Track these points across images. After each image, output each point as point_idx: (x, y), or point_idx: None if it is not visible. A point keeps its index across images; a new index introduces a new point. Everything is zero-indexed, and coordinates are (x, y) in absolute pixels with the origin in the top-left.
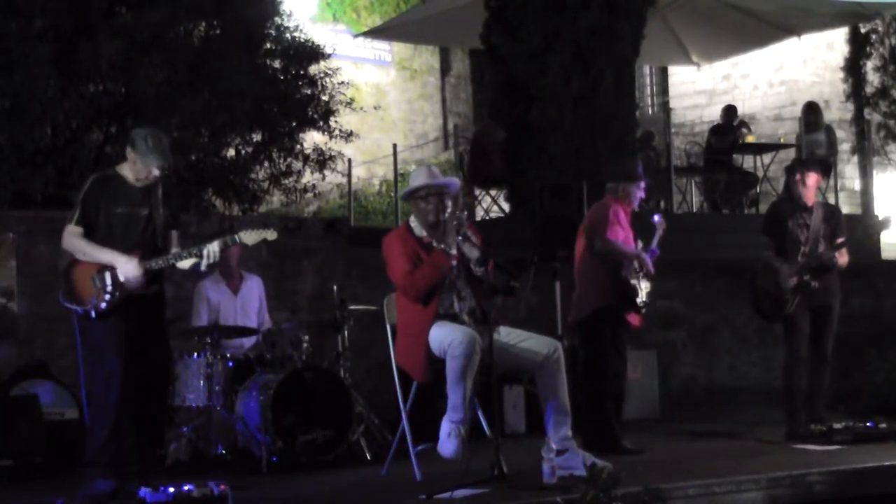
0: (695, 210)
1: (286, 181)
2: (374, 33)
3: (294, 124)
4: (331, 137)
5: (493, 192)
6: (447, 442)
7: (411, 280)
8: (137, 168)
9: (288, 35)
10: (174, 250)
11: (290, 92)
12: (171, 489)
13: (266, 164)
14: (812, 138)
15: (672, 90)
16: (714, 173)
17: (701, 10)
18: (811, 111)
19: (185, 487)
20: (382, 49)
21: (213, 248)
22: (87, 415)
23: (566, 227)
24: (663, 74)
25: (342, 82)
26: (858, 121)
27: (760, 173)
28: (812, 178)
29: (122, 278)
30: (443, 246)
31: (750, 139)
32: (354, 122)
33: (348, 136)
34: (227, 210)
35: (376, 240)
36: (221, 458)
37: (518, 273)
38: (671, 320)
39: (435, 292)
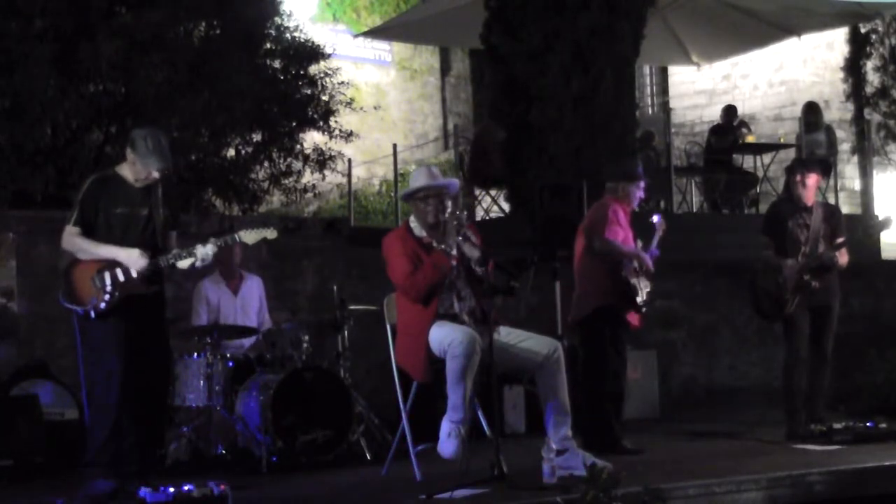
0: (695, 210)
1: (286, 181)
2: (374, 33)
3: (294, 124)
4: (331, 137)
5: (493, 192)
6: (447, 442)
7: (412, 280)
8: (137, 169)
9: (288, 35)
10: (174, 251)
11: (290, 92)
12: (171, 489)
13: (266, 164)
14: (812, 138)
15: (672, 90)
16: (714, 173)
17: (701, 10)
18: (811, 111)
19: (185, 487)
20: (382, 49)
21: (203, 251)
22: (87, 415)
23: (566, 227)
24: (663, 74)
25: (342, 82)
26: (858, 121)
27: (760, 173)
28: (812, 179)
29: (122, 277)
30: (443, 246)
31: (750, 139)
32: (354, 122)
33: (348, 136)
34: (227, 210)
35: (376, 240)
36: (221, 458)
37: (518, 273)
38: (671, 320)
39: (435, 293)
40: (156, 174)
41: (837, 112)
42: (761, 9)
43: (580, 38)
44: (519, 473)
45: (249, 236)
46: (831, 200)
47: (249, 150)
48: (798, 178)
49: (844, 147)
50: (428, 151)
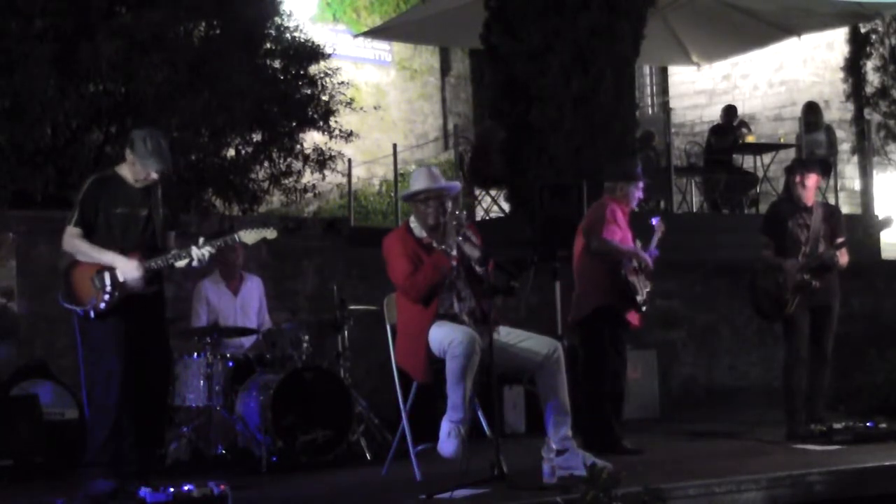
0: (695, 210)
1: (286, 181)
2: (374, 33)
3: (294, 124)
4: (331, 137)
5: (493, 192)
6: (447, 442)
7: (412, 281)
8: (136, 170)
9: (288, 35)
10: (173, 251)
11: (290, 92)
12: (171, 489)
13: (266, 164)
14: (812, 138)
15: (672, 90)
16: (714, 173)
17: (701, 10)
18: (811, 111)
19: (185, 487)
20: (382, 49)
21: (198, 252)
22: (87, 415)
23: (566, 227)
24: (663, 74)
25: (342, 82)
26: (858, 121)
27: (760, 173)
28: (812, 179)
29: (121, 279)
30: (443, 247)
31: (750, 139)
32: (354, 122)
33: (348, 136)
34: (227, 210)
35: (376, 240)
36: (221, 458)
37: (518, 273)
38: (671, 320)
39: (435, 293)
40: (155, 175)
41: (837, 112)
42: (761, 9)
43: (580, 38)
44: (519, 473)
45: (249, 236)
46: (831, 200)
47: (249, 150)
48: (798, 178)
49: (844, 147)
50: (428, 151)
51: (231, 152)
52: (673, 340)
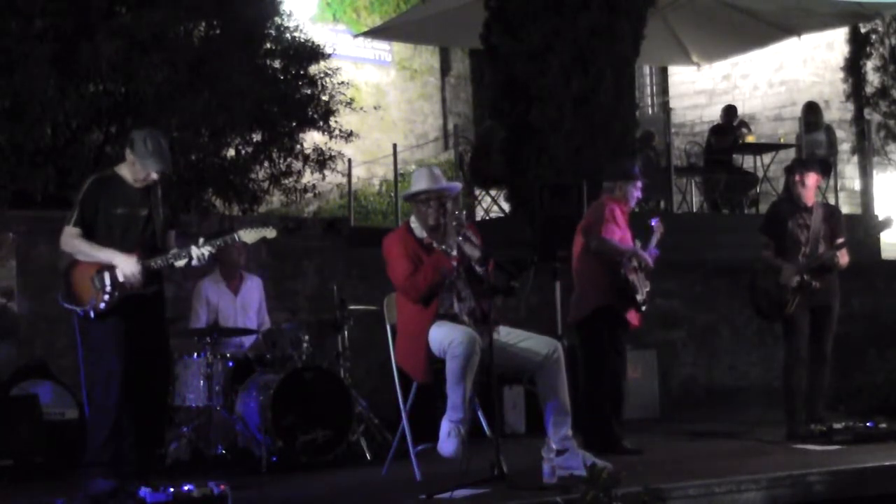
0: (695, 210)
1: (286, 181)
2: (374, 33)
3: (294, 124)
4: (331, 137)
5: (493, 192)
6: (447, 442)
7: (411, 281)
8: (136, 169)
9: (288, 35)
10: (173, 251)
11: (290, 92)
12: (171, 489)
13: (266, 164)
14: (812, 138)
15: (672, 90)
16: (714, 173)
17: (701, 10)
18: (811, 111)
19: (185, 487)
20: (382, 49)
21: (198, 252)
22: (87, 415)
23: (566, 227)
24: (663, 74)
25: (342, 82)
26: (858, 121)
27: (760, 173)
28: (812, 179)
29: (121, 277)
30: (443, 247)
31: (750, 139)
32: (354, 122)
33: (348, 136)
34: (227, 210)
35: (376, 240)
36: (221, 458)
37: (518, 273)
38: (671, 320)
39: (435, 293)
40: (154, 176)
41: (837, 112)
42: (761, 9)
43: (580, 38)
44: (519, 473)
45: (249, 235)
46: (831, 200)
47: (249, 150)
48: (798, 177)
49: (844, 147)
50: (428, 151)
51: (231, 152)
52: (673, 340)
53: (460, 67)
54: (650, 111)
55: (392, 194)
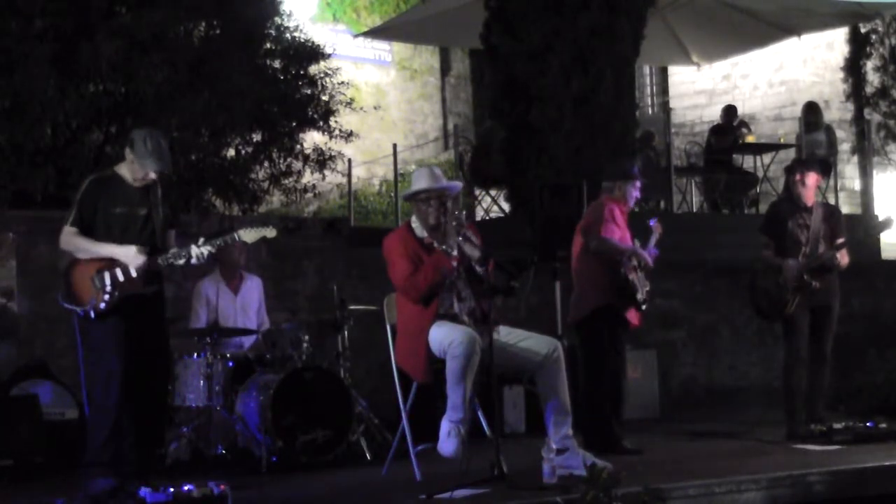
0: (695, 210)
1: (286, 181)
2: (374, 33)
3: (294, 124)
4: (331, 137)
5: (493, 192)
6: (447, 442)
7: (411, 281)
8: (134, 169)
9: (288, 35)
10: (172, 250)
11: (290, 92)
12: (171, 489)
13: (266, 164)
14: (812, 138)
15: (672, 90)
16: (714, 173)
17: (701, 10)
18: (811, 111)
19: (185, 487)
20: (382, 49)
21: (197, 251)
22: (87, 415)
23: (566, 227)
24: (663, 74)
25: (342, 82)
26: (858, 121)
27: (760, 173)
28: (812, 179)
29: (121, 278)
30: (444, 247)
31: (750, 139)
32: (354, 122)
33: (348, 136)
34: (227, 210)
35: (376, 240)
36: (221, 458)
37: (518, 273)
38: (671, 320)
39: (435, 293)
40: (153, 175)
41: (837, 112)
42: (761, 9)
43: (580, 38)
44: (519, 473)
45: (249, 234)
46: (831, 200)
47: (249, 150)
48: (798, 177)
49: (844, 147)
50: (428, 151)
51: (231, 152)
52: (673, 340)
53: (460, 67)
54: (650, 111)
55: (392, 194)
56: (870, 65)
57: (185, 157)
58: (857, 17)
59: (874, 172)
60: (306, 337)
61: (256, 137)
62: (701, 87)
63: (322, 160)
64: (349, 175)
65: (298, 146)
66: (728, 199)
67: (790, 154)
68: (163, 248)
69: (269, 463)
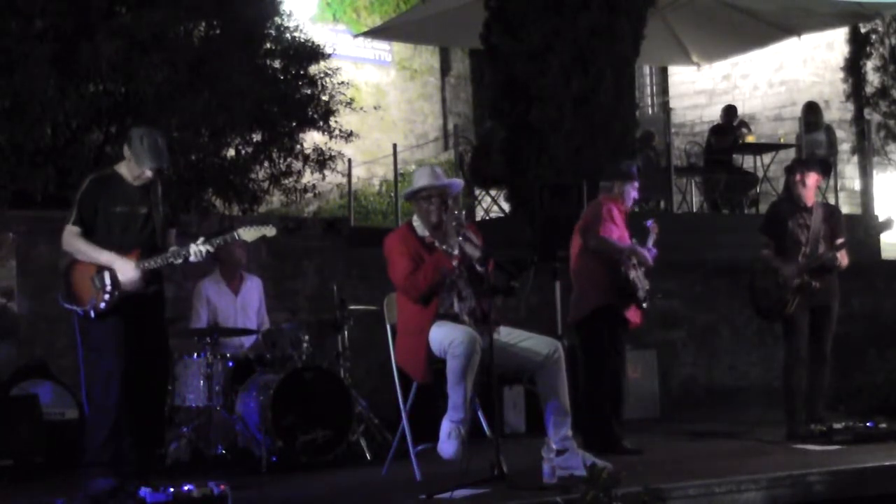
0: (695, 210)
1: (286, 181)
2: (374, 33)
3: (294, 124)
4: (331, 137)
5: (493, 192)
6: (447, 442)
7: (412, 280)
8: (131, 166)
9: (288, 35)
10: (171, 249)
11: (290, 92)
12: (171, 489)
13: (266, 164)
14: (812, 138)
15: (672, 90)
16: (714, 173)
17: (701, 10)
18: (811, 111)
19: (185, 487)
20: (382, 49)
21: (196, 249)
22: (87, 415)
23: (566, 227)
24: (663, 74)
25: (342, 82)
26: (858, 121)
27: (760, 173)
28: (812, 179)
29: (120, 279)
30: (445, 247)
31: (750, 139)
32: (354, 122)
33: (348, 136)
34: (227, 210)
35: (376, 240)
36: (221, 458)
37: (518, 273)
38: (671, 320)
39: (435, 293)
40: (149, 173)
41: (837, 112)
42: (761, 9)
43: (580, 38)
44: (519, 473)
45: (248, 233)
46: (831, 200)
47: (249, 150)
48: (798, 177)
49: (844, 147)
50: (428, 151)
51: (231, 152)
52: (673, 340)
53: (460, 67)
54: (650, 111)
55: (392, 194)
56: (870, 65)
57: (185, 157)
58: (857, 17)
59: (874, 172)
60: (306, 337)
61: (256, 137)
62: (701, 87)
63: (322, 160)
64: (349, 175)
65: (298, 146)
66: (728, 199)
67: (790, 154)
68: (163, 247)
69: (269, 463)
